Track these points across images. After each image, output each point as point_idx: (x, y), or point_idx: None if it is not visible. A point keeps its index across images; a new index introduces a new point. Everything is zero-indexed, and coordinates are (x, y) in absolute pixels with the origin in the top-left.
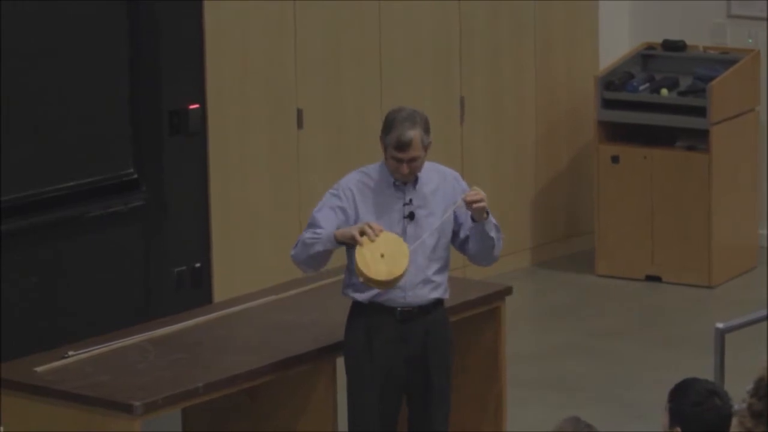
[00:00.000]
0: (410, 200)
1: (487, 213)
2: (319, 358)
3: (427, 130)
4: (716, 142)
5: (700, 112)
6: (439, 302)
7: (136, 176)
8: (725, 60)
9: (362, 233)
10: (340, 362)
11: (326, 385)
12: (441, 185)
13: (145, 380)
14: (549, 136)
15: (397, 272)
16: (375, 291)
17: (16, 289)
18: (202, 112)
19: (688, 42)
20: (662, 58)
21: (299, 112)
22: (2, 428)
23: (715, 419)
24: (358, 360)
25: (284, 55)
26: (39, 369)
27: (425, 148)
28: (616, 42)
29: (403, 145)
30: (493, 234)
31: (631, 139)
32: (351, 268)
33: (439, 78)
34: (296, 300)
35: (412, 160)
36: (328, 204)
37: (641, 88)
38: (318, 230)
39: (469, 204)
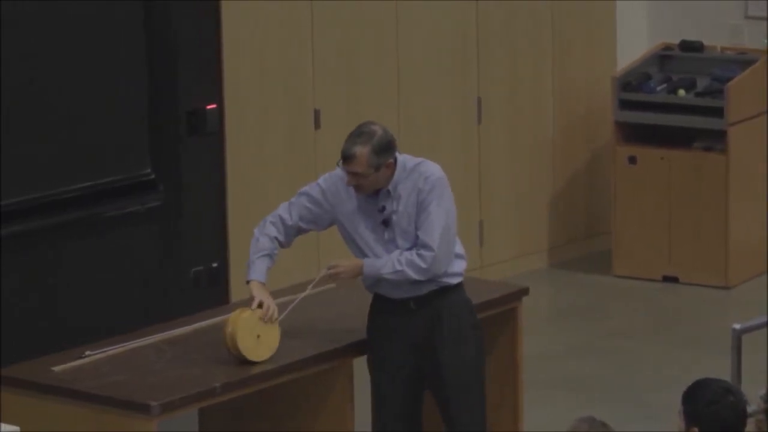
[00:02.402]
0: (383, 207)
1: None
2: (336, 358)
3: (380, 151)
4: (733, 143)
5: (718, 112)
6: (441, 291)
7: (153, 176)
8: (742, 61)
9: (259, 306)
10: (357, 362)
11: (343, 385)
12: (413, 189)
13: (161, 380)
14: (566, 136)
15: (249, 357)
16: (375, 282)
17: (31, 290)
18: (220, 112)
19: (706, 43)
20: (679, 59)
21: (316, 113)
22: (18, 428)
23: (732, 416)
24: (370, 349)
25: (302, 55)
26: (56, 369)
27: (375, 167)
28: (634, 42)
29: (344, 158)
30: (389, 277)
31: (649, 140)
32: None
33: (456, 78)
34: (312, 300)
35: (356, 175)
36: (310, 193)
37: (658, 88)
38: (265, 245)
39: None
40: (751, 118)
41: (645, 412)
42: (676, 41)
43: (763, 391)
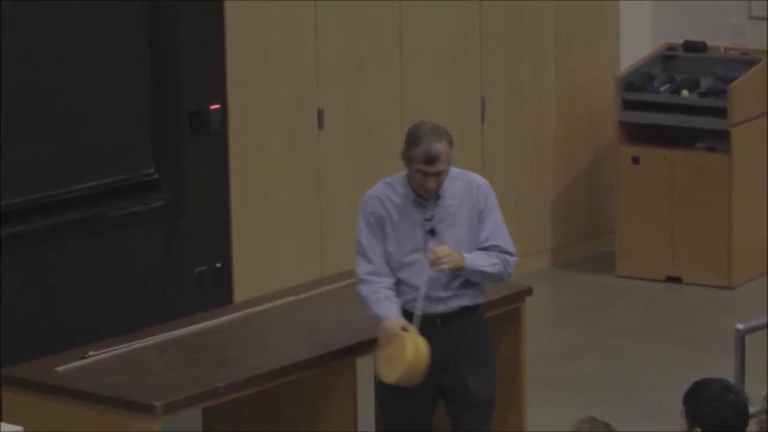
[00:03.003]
0: (431, 216)
1: (463, 265)
2: (340, 359)
3: (451, 143)
4: (737, 143)
5: (721, 113)
6: (467, 309)
7: (156, 176)
8: (746, 61)
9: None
10: (360, 363)
11: (346, 385)
12: (466, 196)
13: (165, 380)
14: (569, 136)
15: (388, 378)
16: (405, 298)
17: (32, 290)
18: (223, 113)
19: (709, 43)
20: (683, 59)
21: (320, 113)
22: (21, 428)
23: (732, 415)
24: None
25: (305, 55)
26: (59, 369)
27: (451, 161)
28: (637, 43)
29: (431, 159)
30: (477, 279)
31: (652, 140)
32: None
33: (459, 78)
34: (317, 300)
35: (439, 173)
36: (367, 225)
37: (662, 89)
38: (374, 295)
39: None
40: (754, 118)
41: (646, 412)
42: (679, 41)
43: (765, 392)
